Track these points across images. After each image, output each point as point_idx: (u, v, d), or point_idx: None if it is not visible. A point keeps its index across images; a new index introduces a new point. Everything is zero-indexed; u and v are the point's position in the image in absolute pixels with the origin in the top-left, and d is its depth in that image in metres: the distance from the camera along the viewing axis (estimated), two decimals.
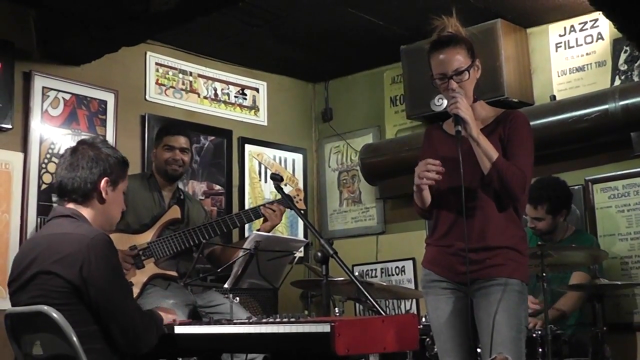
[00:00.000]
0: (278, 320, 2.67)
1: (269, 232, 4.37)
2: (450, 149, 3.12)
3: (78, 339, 2.56)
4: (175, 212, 4.39)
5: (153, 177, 4.50)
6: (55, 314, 2.57)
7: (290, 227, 6.32)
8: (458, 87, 3.10)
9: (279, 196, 4.02)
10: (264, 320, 2.76)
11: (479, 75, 3.20)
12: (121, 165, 2.93)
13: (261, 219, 4.49)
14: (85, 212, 2.84)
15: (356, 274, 5.79)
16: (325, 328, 2.38)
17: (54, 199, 4.91)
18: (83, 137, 5.02)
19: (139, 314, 2.75)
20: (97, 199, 2.85)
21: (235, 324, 2.88)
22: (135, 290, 4.11)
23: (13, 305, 2.80)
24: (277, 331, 2.56)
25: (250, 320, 2.88)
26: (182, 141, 4.50)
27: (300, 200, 4.64)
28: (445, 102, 3.07)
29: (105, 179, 2.85)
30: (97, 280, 2.62)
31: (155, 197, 4.44)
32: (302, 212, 4.07)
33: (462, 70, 3.11)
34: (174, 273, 4.29)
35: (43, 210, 4.85)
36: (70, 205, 2.85)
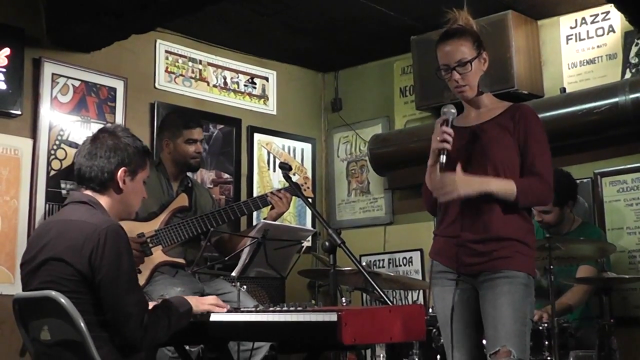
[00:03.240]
0: (285, 309, 2.68)
1: (276, 219, 4.38)
2: (458, 141, 3.13)
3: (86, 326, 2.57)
4: (183, 200, 4.40)
5: (161, 165, 4.51)
6: (63, 299, 2.57)
7: (298, 217, 6.33)
8: (460, 79, 3.12)
9: (287, 185, 4.02)
10: (271, 308, 2.77)
11: (486, 68, 3.20)
12: (141, 155, 2.90)
13: (269, 207, 4.50)
14: (103, 200, 2.83)
15: (363, 264, 5.82)
16: (332, 317, 2.39)
17: (64, 185, 4.94)
18: (92, 124, 5.05)
19: (139, 310, 2.66)
20: (114, 188, 2.84)
21: (242, 312, 2.90)
22: (143, 278, 4.12)
23: (24, 286, 2.80)
24: (284, 320, 2.57)
25: (258, 309, 2.89)
26: (200, 133, 4.56)
27: (308, 188, 4.65)
28: (453, 111, 3.11)
29: (123, 168, 2.83)
30: (102, 270, 2.61)
31: (164, 184, 4.45)
32: (310, 201, 4.07)
33: (465, 61, 3.11)
34: (181, 261, 4.30)
35: (52, 196, 4.86)
36: (88, 192, 2.84)
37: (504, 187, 3.03)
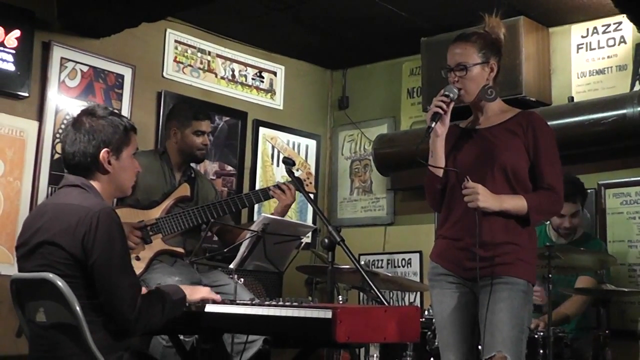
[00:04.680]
0: (280, 303, 2.68)
1: (282, 213, 4.38)
2: (466, 142, 3.14)
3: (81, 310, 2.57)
4: (185, 190, 4.40)
5: (166, 154, 4.51)
6: (60, 282, 2.57)
7: (299, 213, 6.32)
8: (457, 82, 3.13)
9: (289, 180, 4.03)
10: (267, 302, 2.77)
11: (492, 77, 3.20)
12: (121, 133, 2.84)
13: (271, 202, 4.49)
14: (94, 183, 2.82)
15: (362, 263, 5.81)
16: (327, 314, 2.38)
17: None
18: None
19: (132, 293, 2.64)
20: (101, 170, 2.81)
21: (237, 304, 2.89)
22: (142, 265, 4.12)
23: (18, 269, 2.80)
24: (279, 314, 2.57)
25: (253, 302, 2.88)
26: (209, 125, 4.57)
27: (311, 183, 4.64)
28: (455, 90, 3.12)
29: (105, 149, 2.79)
30: (95, 253, 2.60)
31: (167, 174, 4.45)
32: (312, 197, 4.08)
33: (463, 66, 3.12)
34: (180, 250, 4.30)
35: (55, 179, 4.86)
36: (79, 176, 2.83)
37: (517, 206, 3.04)
